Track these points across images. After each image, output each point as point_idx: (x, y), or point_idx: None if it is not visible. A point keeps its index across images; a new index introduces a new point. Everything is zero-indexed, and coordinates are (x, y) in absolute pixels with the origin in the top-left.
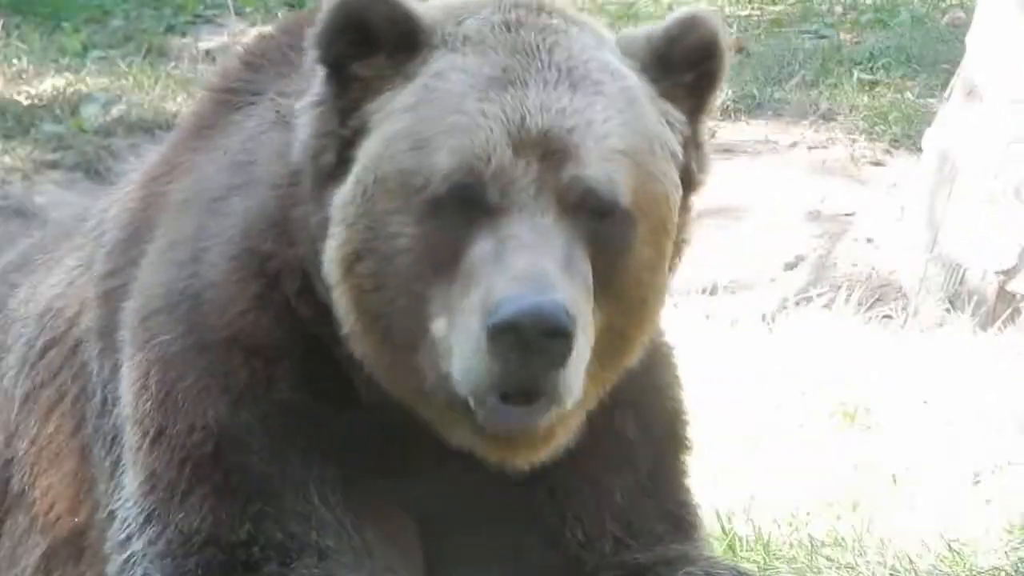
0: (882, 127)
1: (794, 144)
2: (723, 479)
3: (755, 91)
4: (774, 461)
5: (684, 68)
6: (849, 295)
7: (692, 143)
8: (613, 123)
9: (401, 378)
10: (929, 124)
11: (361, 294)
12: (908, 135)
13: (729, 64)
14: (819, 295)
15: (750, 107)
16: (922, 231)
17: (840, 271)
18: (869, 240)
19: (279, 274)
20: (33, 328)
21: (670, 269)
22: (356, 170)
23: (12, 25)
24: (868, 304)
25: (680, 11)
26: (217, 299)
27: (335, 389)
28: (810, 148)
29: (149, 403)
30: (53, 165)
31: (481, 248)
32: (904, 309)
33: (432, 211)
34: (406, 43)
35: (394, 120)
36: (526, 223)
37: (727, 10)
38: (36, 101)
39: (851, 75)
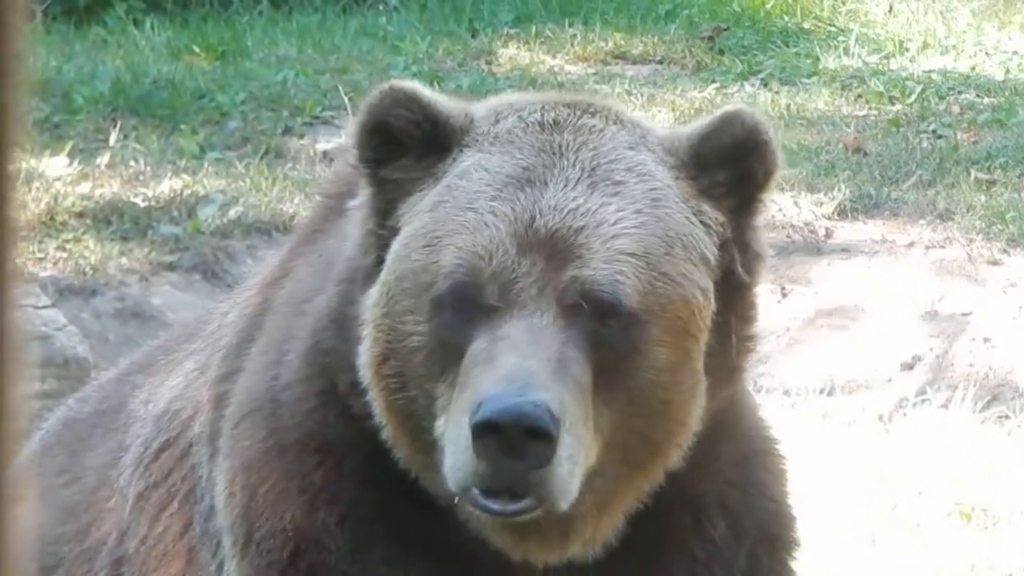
0: (999, 226)
1: (911, 244)
2: None
3: (872, 191)
4: (891, 561)
5: (719, 166)
6: (965, 395)
7: (735, 243)
8: (626, 224)
9: (431, 479)
10: None
11: (389, 395)
12: None
13: (776, 163)
14: (936, 395)
15: (867, 207)
16: None
17: (957, 371)
18: (986, 340)
19: (337, 370)
20: (151, 429)
21: (737, 368)
22: (383, 272)
23: (130, 127)
24: (985, 404)
25: (724, 107)
26: (291, 400)
27: (402, 486)
28: (927, 248)
29: (236, 509)
30: (170, 267)
31: (476, 347)
32: (1022, 409)
33: (437, 310)
34: (433, 145)
35: (416, 220)
36: (522, 323)
37: (845, 109)
38: (153, 203)
39: (968, 175)
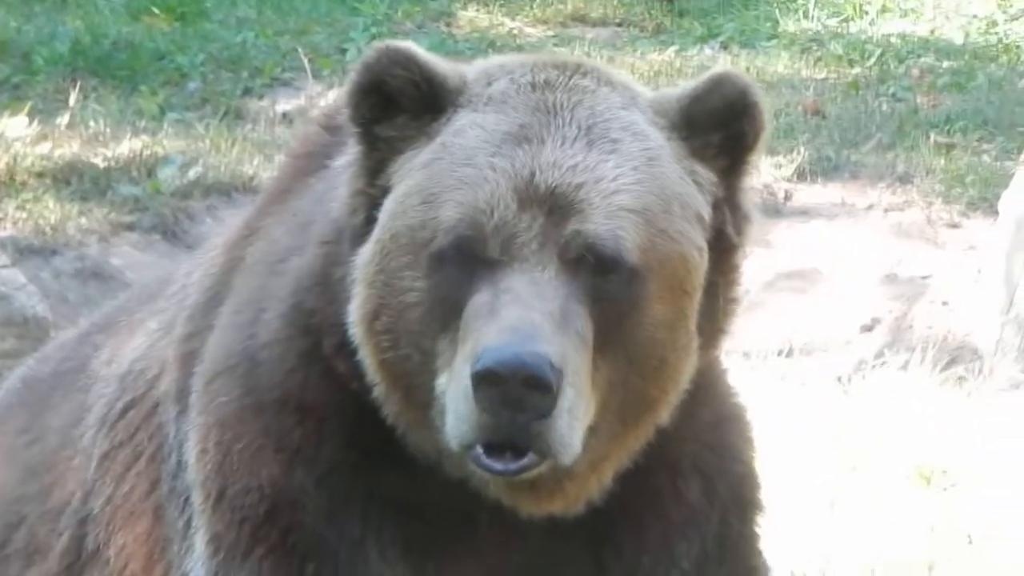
0: (959, 190)
1: (870, 207)
2: (798, 541)
3: (832, 153)
4: (850, 523)
5: (711, 127)
6: (924, 357)
7: (726, 204)
8: (625, 181)
9: (423, 436)
10: (1006, 187)
11: (381, 353)
12: (985, 198)
13: (764, 124)
14: (895, 357)
15: (827, 169)
16: (998, 293)
17: (916, 333)
18: (945, 303)
19: (321, 331)
20: (114, 389)
21: (722, 331)
22: (376, 229)
23: (89, 88)
24: (944, 365)
25: (713, 69)
26: (270, 359)
27: (384, 446)
28: (886, 211)
29: (209, 466)
30: (130, 227)
31: (478, 300)
32: (980, 371)
33: (437, 265)
34: (429, 105)
35: (410, 178)
36: (524, 277)
37: (804, 72)
38: (113, 163)
39: (928, 138)
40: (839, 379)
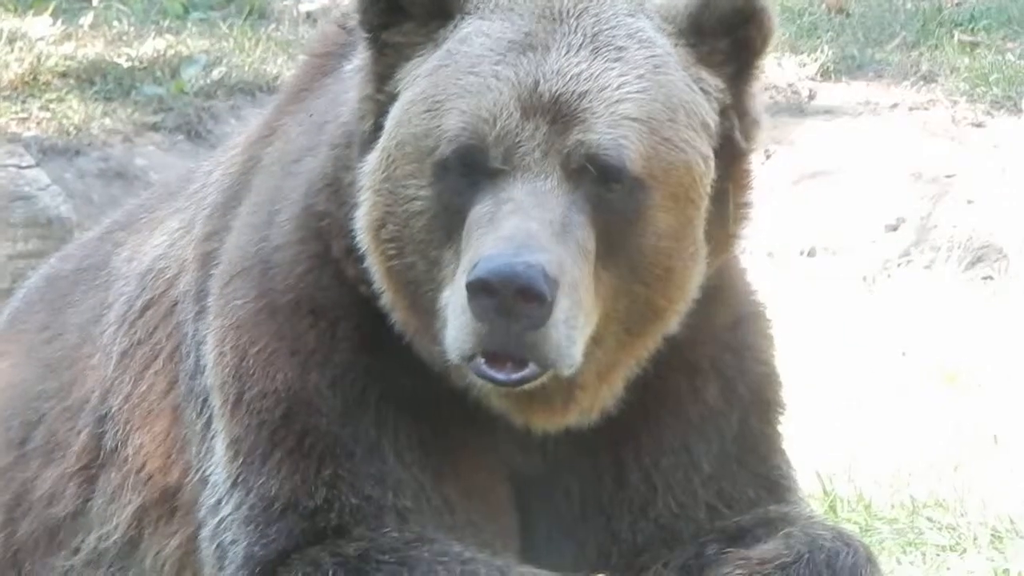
0: (983, 88)
1: (895, 106)
2: (824, 441)
3: (855, 52)
4: (875, 423)
5: (718, 33)
6: (949, 256)
7: (734, 110)
8: (628, 89)
9: (429, 344)
10: None
11: (387, 260)
12: (1009, 96)
13: (772, 29)
14: (920, 256)
15: (850, 68)
16: (1023, 191)
17: (941, 232)
18: (970, 201)
19: (331, 234)
20: (134, 287)
21: (734, 236)
22: (382, 136)
23: None
24: (969, 265)
25: None
26: (283, 261)
27: (399, 350)
28: (911, 110)
29: (227, 369)
30: (154, 127)
31: (479, 210)
32: (1005, 270)
33: (441, 173)
34: (437, 11)
35: (416, 85)
36: (525, 186)
37: None
38: (137, 64)
39: (952, 36)
40: (864, 279)
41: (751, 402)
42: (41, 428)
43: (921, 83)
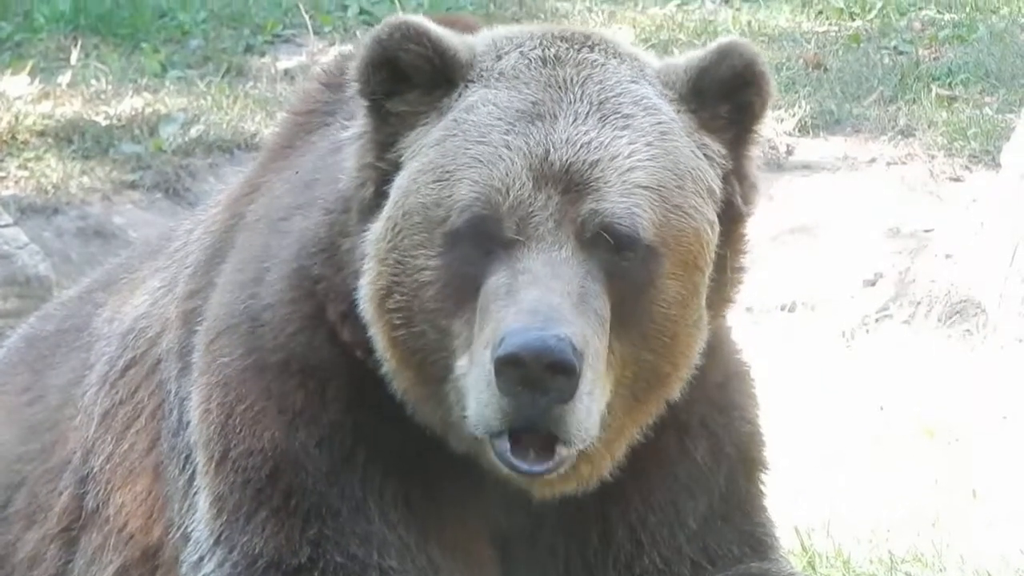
0: (961, 143)
1: (873, 160)
2: (803, 496)
3: (833, 107)
4: (854, 478)
5: (719, 99)
6: (929, 311)
7: (735, 176)
8: (639, 157)
9: (432, 411)
10: (1008, 139)
11: (393, 330)
12: (987, 151)
13: (771, 93)
14: (898, 311)
15: (828, 123)
16: (1001, 246)
17: (920, 287)
18: (948, 256)
19: (326, 297)
20: (116, 347)
21: (727, 300)
22: (388, 205)
23: (91, 46)
24: (948, 320)
25: (719, 40)
26: (273, 320)
27: (388, 410)
28: (889, 164)
29: (212, 426)
30: (132, 185)
31: (495, 281)
32: (984, 325)
33: (452, 243)
34: (441, 80)
35: (423, 154)
36: (541, 257)
37: (805, 26)
38: (115, 121)
39: (929, 91)
40: (843, 334)
41: (737, 460)
42: (23, 491)
43: (899, 138)
